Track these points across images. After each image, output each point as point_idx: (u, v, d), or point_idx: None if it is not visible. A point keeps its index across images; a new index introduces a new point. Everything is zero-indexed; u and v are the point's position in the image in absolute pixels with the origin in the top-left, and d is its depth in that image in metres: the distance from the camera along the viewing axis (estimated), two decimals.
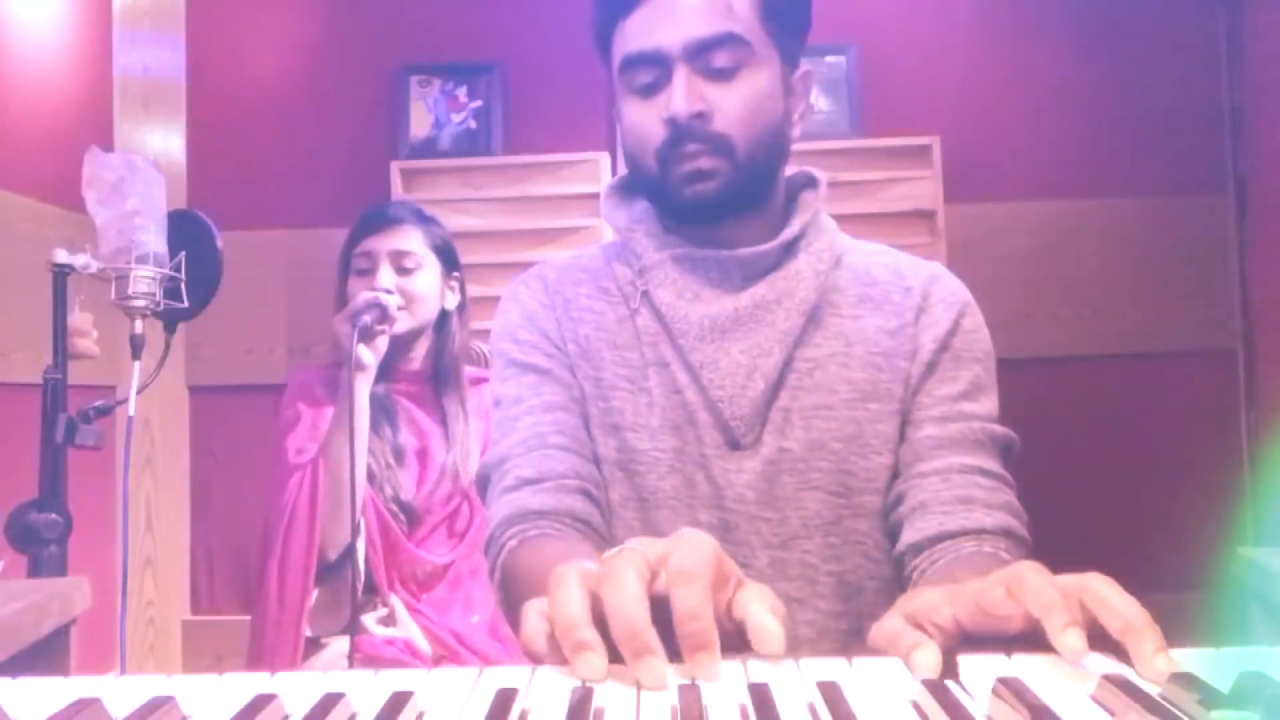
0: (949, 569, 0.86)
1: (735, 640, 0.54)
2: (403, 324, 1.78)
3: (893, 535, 0.96)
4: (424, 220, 1.87)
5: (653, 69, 0.96)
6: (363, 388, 1.72)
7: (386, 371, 1.81)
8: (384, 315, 1.72)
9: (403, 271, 1.80)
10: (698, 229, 1.01)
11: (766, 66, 0.97)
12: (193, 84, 2.83)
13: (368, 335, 1.70)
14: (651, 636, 0.52)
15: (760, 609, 0.54)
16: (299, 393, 1.85)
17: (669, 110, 0.94)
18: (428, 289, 1.83)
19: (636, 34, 0.96)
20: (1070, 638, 0.53)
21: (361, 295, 1.73)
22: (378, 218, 1.84)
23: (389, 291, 1.76)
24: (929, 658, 0.56)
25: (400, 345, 1.82)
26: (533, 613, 0.59)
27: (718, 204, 0.97)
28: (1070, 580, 0.57)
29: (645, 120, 0.97)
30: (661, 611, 0.54)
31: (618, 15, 0.98)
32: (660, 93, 0.96)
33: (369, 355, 1.72)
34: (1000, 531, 0.89)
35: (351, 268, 1.83)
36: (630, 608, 0.53)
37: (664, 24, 0.95)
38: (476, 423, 1.84)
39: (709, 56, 0.95)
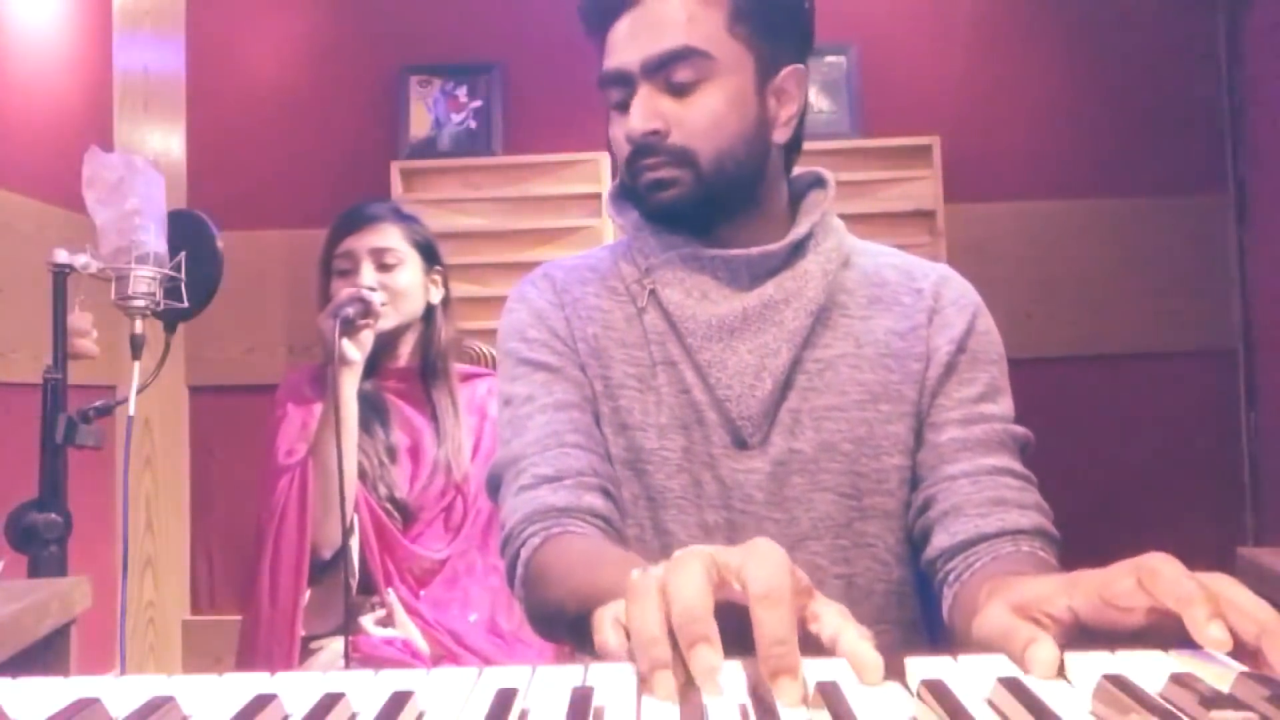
0: (990, 569, 0.85)
1: (805, 649, 0.52)
2: (387, 320, 1.78)
3: (919, 540, 0.95)
4: (402, 217, 1.87)
5: (620, 87, 0.98)
6: (349, 384, 1.72)
7: (375, 369, 1.81)
8: (367, 309, 1.72)
9: (384, 268, 1.80)
10: (679, 234, 1.01)
11: (735, 75, 0.97)
12: (193, 84, 2.83)
13: (351, 329, 1.70)
14: (709, 626, 0.51)
15: (853, 637, 0.53)
16: (288, 392, 1.86)
17: (626, 128, 0.97)
18: (410, 285, 1.83)
19: (608, 53, 1.00)
20: (1215, 630, 0.51)
21: (344, 291, 1.73)
22: (356, 217, 1.84)
23: (372, 289, 1.76)
24: (1049, 653, 0.54)
25: (386, 342, 1.82)
26: (608, 622, 0.59)
27: (679, 211, 0.99)
28: (1201, 578, 0.55)
29: (618, 134, 1.00)
30: (728, 616, 0.53)
31: (597, 36, 1.01)
32: (629, 109, 0.98)
33: (354, 350, 1.72)
34: (1035, 531, 0.89)
35: (333, 269, 1.83)
36: (691, 597, 0.52)
37: (626, 43, 0.97)
38: (468, 418, 1.84)
39: (668, 72, 0.96)
